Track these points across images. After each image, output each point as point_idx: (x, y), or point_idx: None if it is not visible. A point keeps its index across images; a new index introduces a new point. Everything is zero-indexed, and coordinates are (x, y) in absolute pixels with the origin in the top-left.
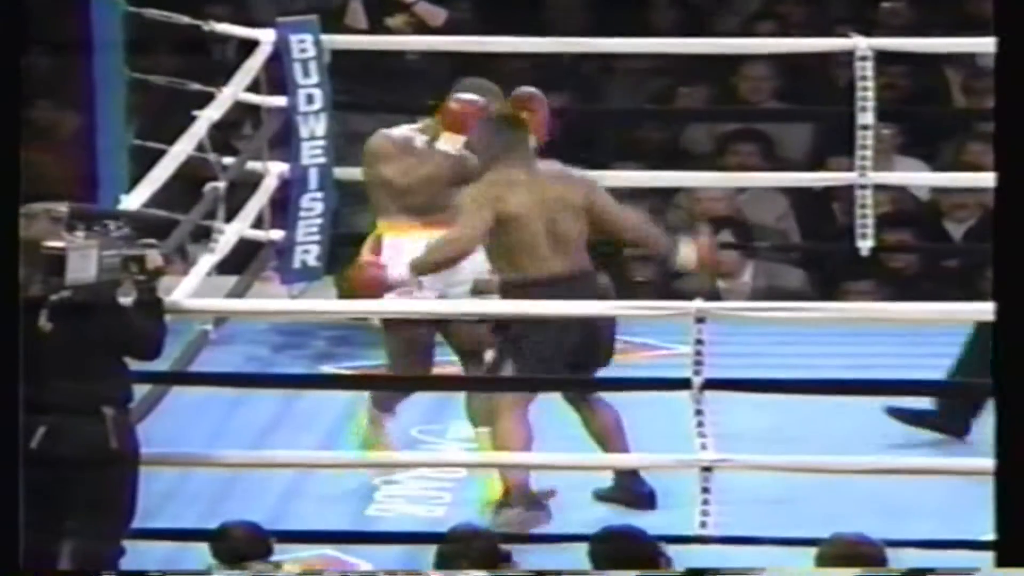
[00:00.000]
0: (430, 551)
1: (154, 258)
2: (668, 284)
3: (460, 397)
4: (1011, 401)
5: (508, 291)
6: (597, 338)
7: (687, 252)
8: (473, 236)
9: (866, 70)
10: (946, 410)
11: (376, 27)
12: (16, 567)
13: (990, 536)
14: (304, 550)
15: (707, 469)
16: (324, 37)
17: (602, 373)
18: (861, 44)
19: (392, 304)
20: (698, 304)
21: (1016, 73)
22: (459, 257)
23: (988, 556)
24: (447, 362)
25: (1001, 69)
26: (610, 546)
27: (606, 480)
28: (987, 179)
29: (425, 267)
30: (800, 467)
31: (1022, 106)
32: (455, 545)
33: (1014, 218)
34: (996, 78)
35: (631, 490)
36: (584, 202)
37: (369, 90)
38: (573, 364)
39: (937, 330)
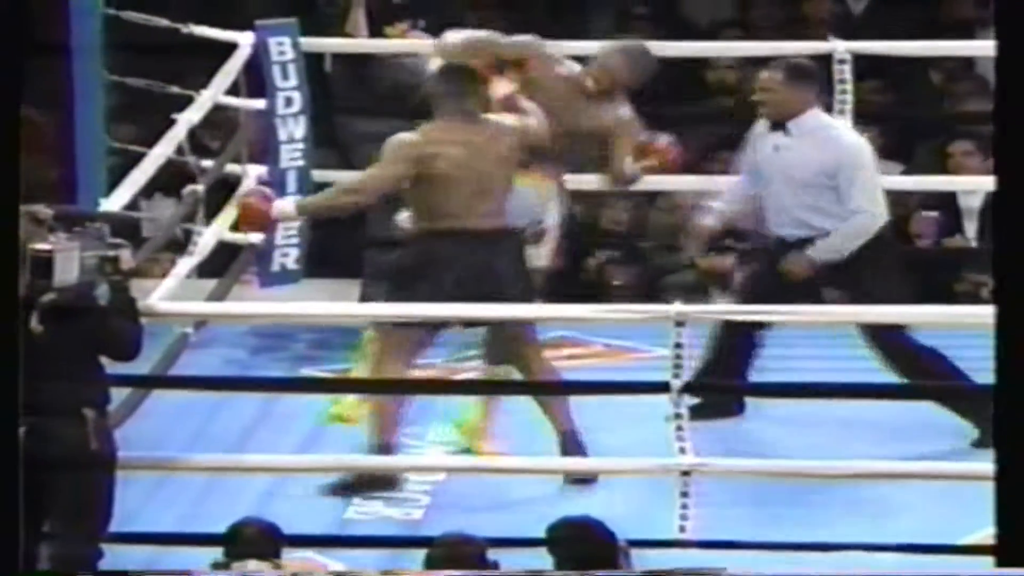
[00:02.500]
0: (413, 555)
1: (127, 258)
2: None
3: (438, 400)
4: (1011, 401)
5: (422, 241)
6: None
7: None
8: (373, 190)
9: (844, 73)
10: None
11: (376, 36)
12: (16, 567)
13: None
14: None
15: (686, 473)
16: (303, 40)
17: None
18: (839, 47)
19: (368, 308)
20: (677, 307)
21: (1016, 76)
22: (349, 206)
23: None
24: (428, 364)
25: (1001, 72)
26: (567, 535)
27: None
28: (963, 182)
29: (311, 209)
30: (779, 471)
31: (1022, 109)
32: (442, 550)
33: (1014, 220)
34: (997, 80)
35: None
36: (515, 145)
37: (365, 95)
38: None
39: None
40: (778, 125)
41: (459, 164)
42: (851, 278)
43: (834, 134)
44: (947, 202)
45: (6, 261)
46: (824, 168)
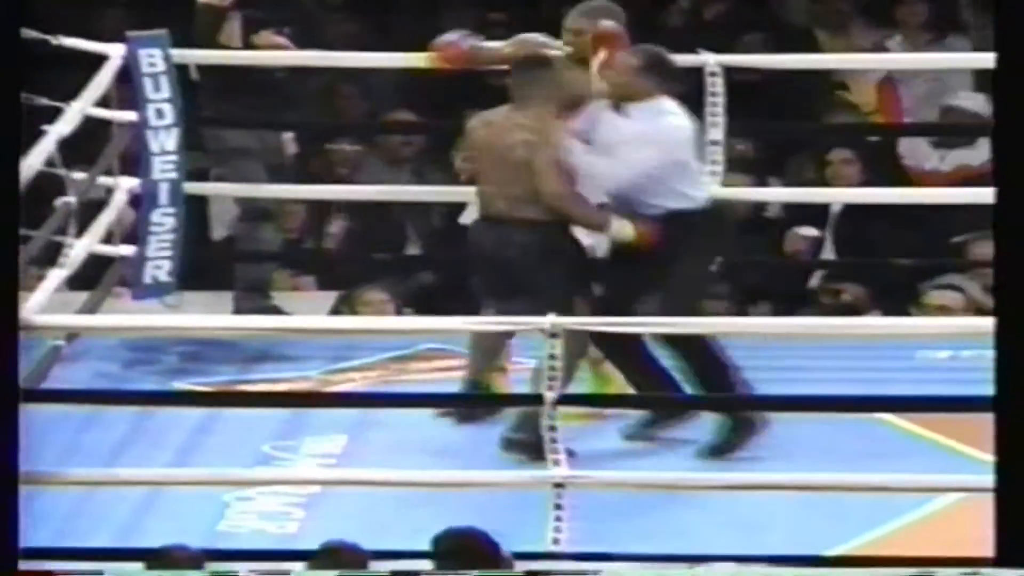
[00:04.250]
0: (290, 567)
1: None
2: None
3: (314, 413)
4: (1010, 406)
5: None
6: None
7: (622, 227)
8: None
9: (716, 86)
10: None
11: (250, 46)
12: (16, 567)
13: (837, 550)
14: None
15: (559, 486)
16: (174, 52)
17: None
18: (710, 60)
19: (241, 320)
20: (551, 319)
21: (1014, 85)
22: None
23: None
24: (301, 377)
25: (1000, 81)
26: (451, 544)
27: None
28: (835, 194)
29: None
30: (654, 483)
31: (1020, 119)
32: (323, 560)
33: (1013, 228)
34: (994, 90)
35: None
36: (526, 157)
37: (235, 106)
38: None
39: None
40: (619, 106)
41: (482, 147)
42: (667, 258)
43: (668, 120)
44: (822, 212)
45: (6, 261)
46: (656, 152)
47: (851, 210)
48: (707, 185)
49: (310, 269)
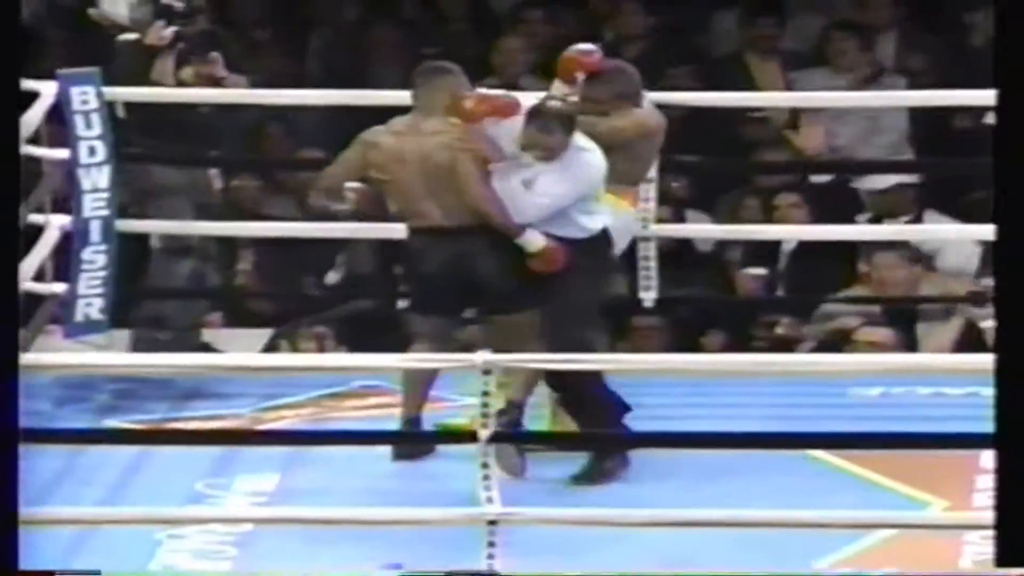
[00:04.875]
0: None
1: None
2: None
3: (246, 451)
4: (1010, 400)
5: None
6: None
7: (534, 239)
8: (331, 172)
9: None
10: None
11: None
12: (16, 567)
13: None
14: None
15: (493, 523)
16: (105, 89)
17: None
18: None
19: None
20: (483, 356)
21: (1015, 81)
22: (324, 187)
23: None
24: (234, 414)
25: (1001, 76)
26: None
27: None
28: (768, 231)
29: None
30: (588, 520)
31: (1020, 150)
32: None
33: (1013, 230)
34: (996, 91)
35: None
36: (449, 162)
37: (160, 142)
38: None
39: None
40: None
41: (398, 158)
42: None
43: (585, 156)
44: (773, 252)
45: (6, 261)
46: (572, 187)
47: (799, 248)
48: (599, 215)
49: (224, 305)
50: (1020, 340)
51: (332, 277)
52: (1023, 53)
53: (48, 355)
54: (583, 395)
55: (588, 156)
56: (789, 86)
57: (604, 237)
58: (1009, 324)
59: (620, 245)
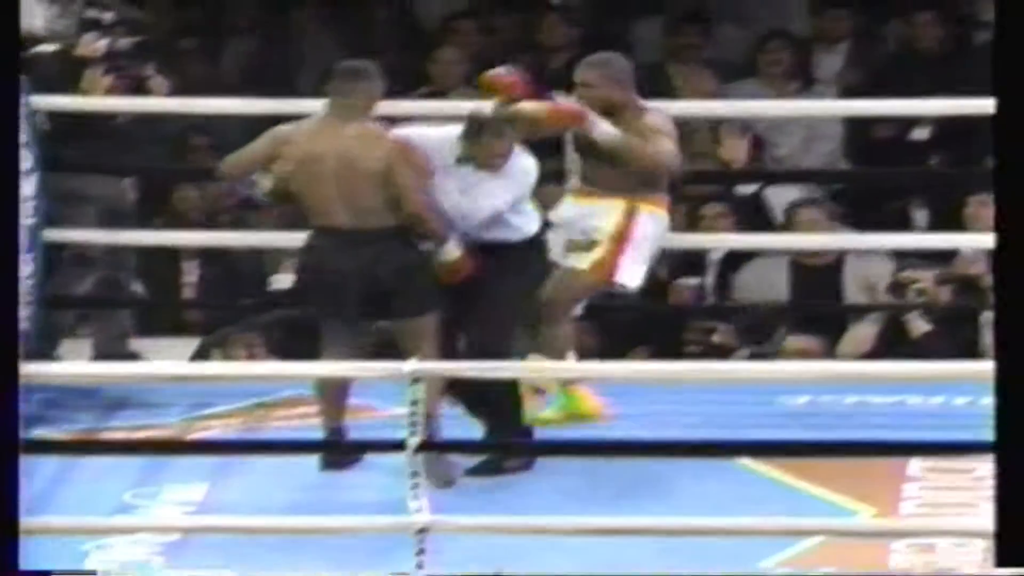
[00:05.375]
0: None
1: None
2: None
3: (175, 460)
4: (1010, 401)
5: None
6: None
7: (452, 249)
8: (235, 160)
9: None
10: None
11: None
12: (16, 567)
13: None
14: None
15: (422, 531)
16: (33, 98)
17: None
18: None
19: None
20: (412, 364)
21: (1015, 86)
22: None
23: None
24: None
25: (1001, 80)
26: None
27: None
28: (697, 240)
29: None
30: (517, 528)
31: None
32: None
33: (1014, 225)
34: (995, 94)
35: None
36: (383, 167)
37: (77, 152)
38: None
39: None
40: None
41: (314, 159)
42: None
43: (520, 161)
44: (700, 260)
45: (6, 261)
46: (510, 191)
47: (728, 257)
48: (533, 218)
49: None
50: (1019, 344)
51: (282, 281)
52: (1021, 64)
53: (48, 365)
54: (491, 398)
55: (524, 161)
56: (715, 96)
57: (538, 240)
58: (1008, 330)
59: (654, 251)
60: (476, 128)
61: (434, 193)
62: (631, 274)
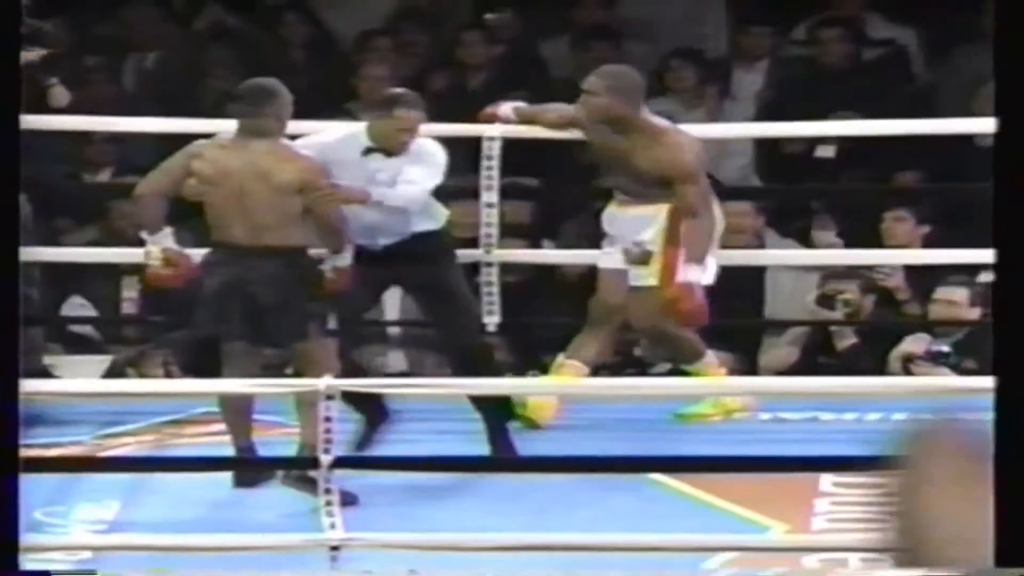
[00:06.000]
0: None
1: None
2: None
3: (86, 478)
4: (1010, 401)
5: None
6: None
7: (345, 257)
8: (153, 179)
9: (492, 150)
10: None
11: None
12: (16, 567)
13: None
14: None
15: (335, 548)
16: None
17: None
18: (488, 131)
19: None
20: (326, 381)
21: (1015, 88)
22: (144, 193)
23: None
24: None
25: (1001, 83)
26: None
27: None
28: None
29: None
30: (429, 545)
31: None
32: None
33: (1014, 223)
34: (996, 94)
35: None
36: (298, 183)
37: None
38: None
39: None
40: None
41: (223, 174)
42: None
43: (430, 145)
44: None
45: (6, 261)
46: (431, 173)
47: None
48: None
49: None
50: (1018, 348)
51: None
52: (1020, 82)
53: (48, 382)
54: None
55: (429, 145)
56: None
57: (447, 229)
58: (1008, 337)
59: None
60: (371, 109)
61: (342, 209)
62: (695, 273)
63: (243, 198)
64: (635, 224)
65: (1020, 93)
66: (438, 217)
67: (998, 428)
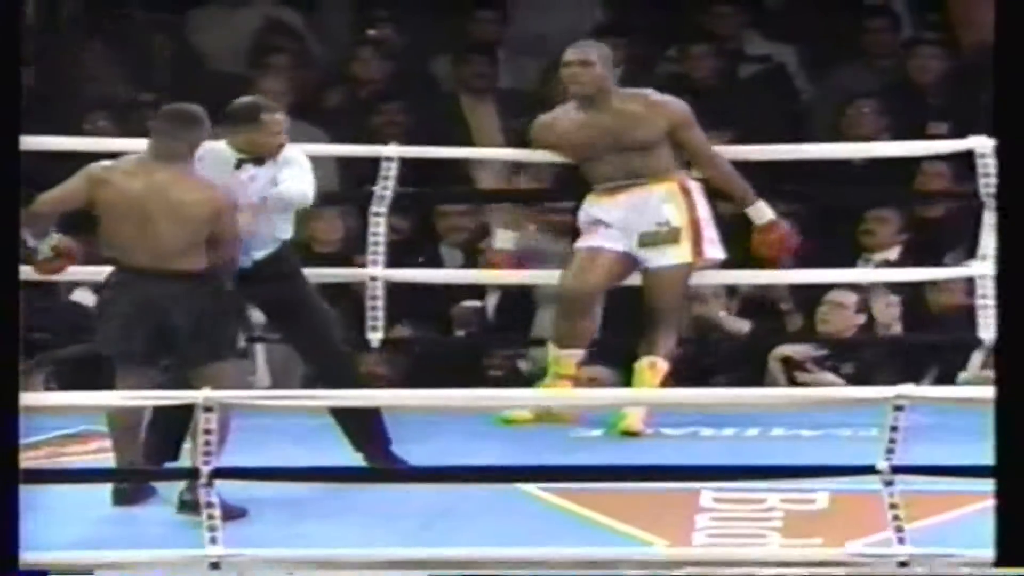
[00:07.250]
0: None
1: None
2: None
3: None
4: (1010, 403)
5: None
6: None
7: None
8: (49, 198)
9: (390, 170)
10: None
11: None
12: (16, 567)
13: None
14: None
15: (215, 565)
16: None
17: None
18: (386, 151)
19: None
20: (205, 393)
21: (1015, 89)
22: (40, 213)
23: None
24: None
25: (1000, 84)
26: None
27: None
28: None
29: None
30: (309, 560)
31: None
32: None
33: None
34: (995, 95)
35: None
36: (209, 214)
37: None
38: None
39: None
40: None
41: (128, 199)
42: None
43: (299, 154)
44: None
45: (6, 261)
46: (309, 175)
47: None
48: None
49: None
50: (1019, 353)
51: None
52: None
53: (50, 395)
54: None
55: (293, 150)
56: (504, 126)
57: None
58: (1008, 342)
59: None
60: (235, 120)
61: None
62: (715, 247)
63: (150, 225)
64: (646, 204)
65: (1020, 102)
66: (288, 227)
67: (998, 430)
